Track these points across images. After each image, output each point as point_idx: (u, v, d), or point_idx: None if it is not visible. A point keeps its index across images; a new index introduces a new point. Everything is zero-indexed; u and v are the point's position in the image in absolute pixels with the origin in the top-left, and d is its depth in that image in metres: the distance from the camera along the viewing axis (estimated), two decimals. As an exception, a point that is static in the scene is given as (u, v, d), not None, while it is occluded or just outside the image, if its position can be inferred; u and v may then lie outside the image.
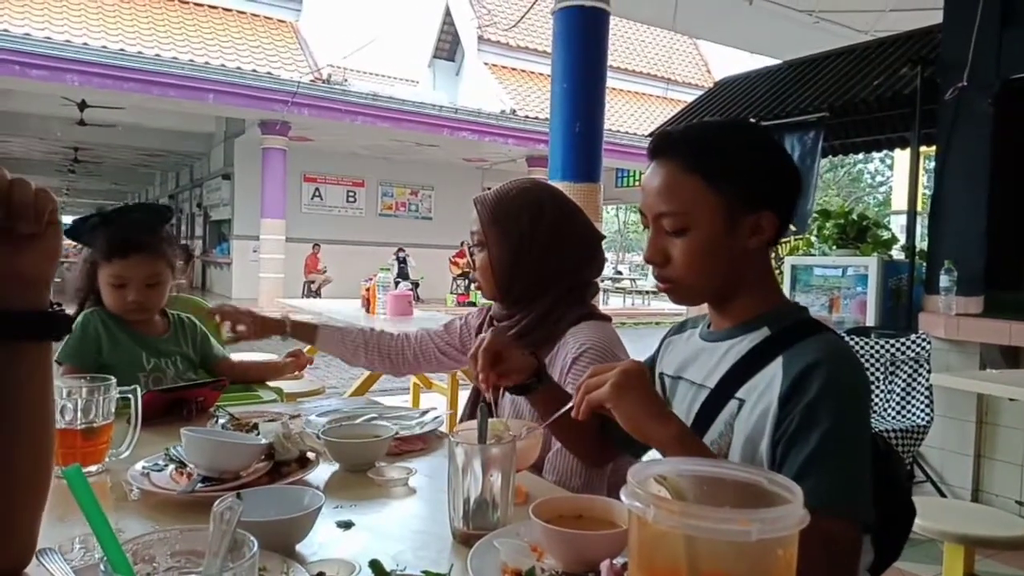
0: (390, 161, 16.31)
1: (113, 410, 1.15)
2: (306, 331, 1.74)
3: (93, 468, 1.14)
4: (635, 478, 0.58)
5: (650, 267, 1.07)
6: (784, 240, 5.20)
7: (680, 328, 1.20)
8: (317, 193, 15.97)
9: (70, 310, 1.73)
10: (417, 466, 1.21)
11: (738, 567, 0.56)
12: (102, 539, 0.49)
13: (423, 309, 5.25)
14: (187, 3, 13.69)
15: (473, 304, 14.69)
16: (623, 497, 0.57)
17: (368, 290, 4.35)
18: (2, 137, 14.95)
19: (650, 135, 6.85)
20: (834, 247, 4.62)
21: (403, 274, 13.79)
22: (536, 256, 1.41)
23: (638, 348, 1.47)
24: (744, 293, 1.02)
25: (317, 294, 14.03)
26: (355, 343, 1.75)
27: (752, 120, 5.48)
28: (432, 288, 15.25)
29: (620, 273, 24.13)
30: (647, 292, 19.39)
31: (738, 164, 0.97)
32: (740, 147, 0.99)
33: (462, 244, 16.21)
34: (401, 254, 14.77)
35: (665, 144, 1.00)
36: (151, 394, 1.41)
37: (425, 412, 1.54)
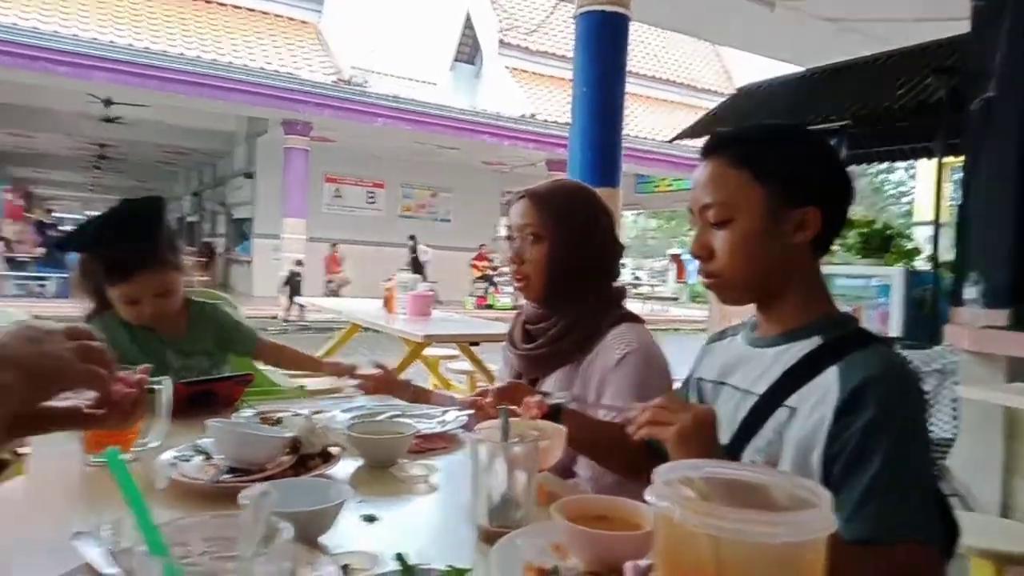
0: (410, 163, 16.38)
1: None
2: (423, 396, 1.73)
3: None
4: (661, 479, 0.59)
5: (696, 264, 1.07)
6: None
7: (720, 335, 1.20)
8: (338, 193, 16.07)
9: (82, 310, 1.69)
10: (438, 464, 1.22)
11: (764, 570, 0.56)
12: (140, 519, 0.50)
13: (441, 310, 5.25)
14: (211, 2, 13.86)
15: (491, 307, 14.70)
16: (648, 497, 0.57)
17: (389, 290, 4.38)
18: (30, 132, 15.19)
19: (669, 141, 6.78)
20: (857, 256, 4.58)
21: (416, 266, 13.74)
22: (592, 256, 1.44)
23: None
24: (791, 295, 1.02)
25: (336, 293, 14.11)
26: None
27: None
28: (450, 290, 15.28)
29: (639, 279, 24.07)
30: (666, 298, 19.35)
31: (785, 158, 0.99)
32: (788, 143, 1.02)
33: (481, 247, 16.26)
34: (411, 242, 14.78)
35: (717, 142, 1.03)
36: (178, 386, 1.43)
37: (446, 412, 1.54)
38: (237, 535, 0.55)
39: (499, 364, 1.77)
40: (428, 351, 4.78)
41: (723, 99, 6.76)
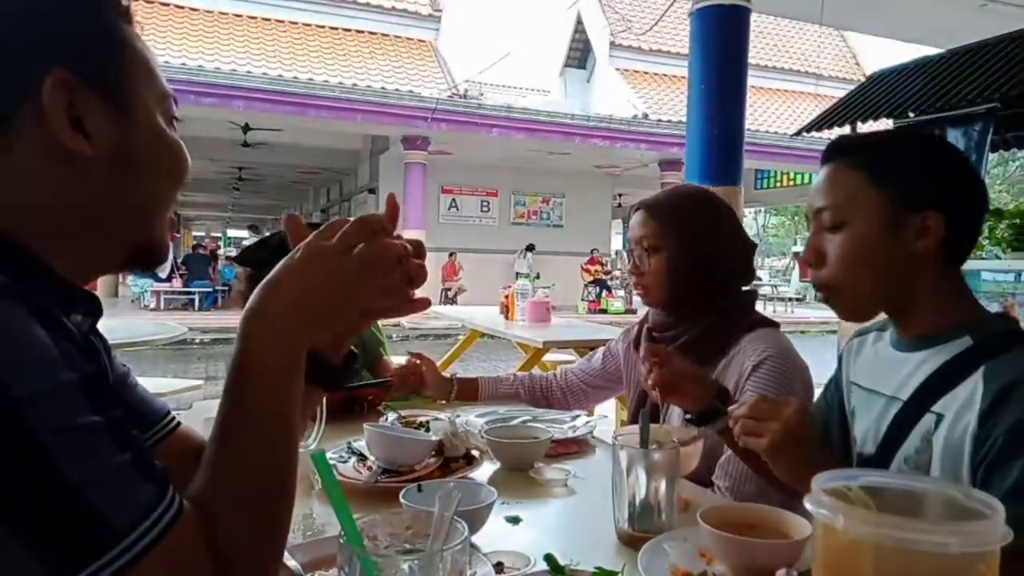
0: (523, 171, 16.60)
1: (302, 406, 1.27)
2: (469, 387, 1.79)
3: (285, 457, 1.27)
4: (820, 486, 0.58)
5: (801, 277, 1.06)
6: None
7: (866, 331, 1.14)
8: (454, 204, 16.53)
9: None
10: (572, 468, 1.25)
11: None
12: (340, 514, 0.56)
13: (554, 315, 5.27)
14: (336, 29, 14.67)
15: (604, 311, 14.61)
16: (808, 505, 0.57)
17: (507, 297, 4.46)
18: (180, 160, 16.70)
19: (795, 134, 6.48)
20: (1008, 250, 4.21)
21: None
22: (714, 261, 1.41)
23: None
24: (921, 307, 0.97)
25: (453, 301, 14.50)
26: (514, 386, 1.82)
27: (911, 114, 5.10)
28: (563, 295, 15.31)
29: (759, 279, 23.14)
30: (789, 299, 18.47)
31: (904, 161, 0.96)
32: (907, 147, 0.98)
33: (592, 251, 16.20)
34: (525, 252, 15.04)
35: (835, 147, 1.02)
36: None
37: (576, 417, 1.57)
38: (421, 530, 0.60)
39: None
40: (546, 357, 4.82)
41: (851, 87, 6.38)
